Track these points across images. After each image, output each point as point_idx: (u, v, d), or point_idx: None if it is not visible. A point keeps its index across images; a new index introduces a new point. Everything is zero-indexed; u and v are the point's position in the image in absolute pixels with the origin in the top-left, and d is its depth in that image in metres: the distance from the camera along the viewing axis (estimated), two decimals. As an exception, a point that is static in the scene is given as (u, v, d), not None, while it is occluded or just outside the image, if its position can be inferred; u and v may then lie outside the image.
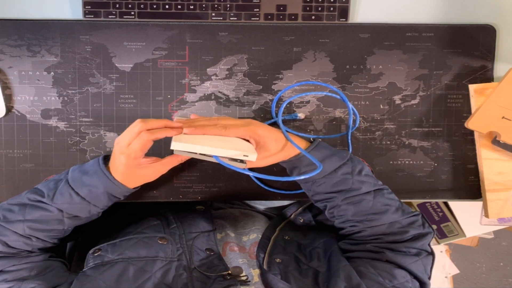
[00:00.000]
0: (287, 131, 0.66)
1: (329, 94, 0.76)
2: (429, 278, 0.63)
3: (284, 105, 0.75)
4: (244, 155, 0.60)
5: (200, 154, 0.61)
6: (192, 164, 0.77)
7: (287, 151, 0.64)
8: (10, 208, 0.61)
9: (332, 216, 0.68)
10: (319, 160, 0.63)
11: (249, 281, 0.59)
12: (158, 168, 0.66)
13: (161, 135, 0.60)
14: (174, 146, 0.59)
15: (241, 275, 0.60)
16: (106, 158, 0.66)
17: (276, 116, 0.75)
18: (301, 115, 0.77)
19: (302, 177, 0.61)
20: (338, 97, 0.76)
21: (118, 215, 0.80)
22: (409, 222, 0.65)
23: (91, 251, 0.63)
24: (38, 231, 0.61)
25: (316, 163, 0.61)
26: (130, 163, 0.61)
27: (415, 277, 0.61)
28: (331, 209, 0.67)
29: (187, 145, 0.59)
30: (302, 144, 0.66)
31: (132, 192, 0.67)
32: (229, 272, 0.60)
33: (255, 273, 0.61)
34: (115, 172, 0.62)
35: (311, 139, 0.69)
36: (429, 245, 0.65)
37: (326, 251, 0.65)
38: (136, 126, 0.60)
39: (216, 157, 0.60)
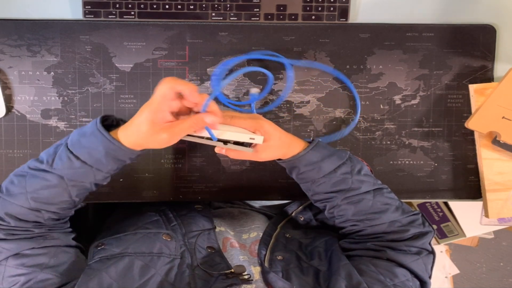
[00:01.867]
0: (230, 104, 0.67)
1: (332, 86, 0.76)
2: (430, 277, 0.63)
3: (229, 80, 0.73)
4: (250, 138, 0.61)
5: (206, 138, 0.61)
6: (192, 164, 0.77)
7: (287, 149, 0.64)
8: (12, 179, 0.59)
9: (332, 216, 0.68)
10: (318, 160, 0.64)
11: (252, 280, 0.59)
12: (176, 131, 0.57)
13: (183, 88, 0.54)
14: None
15: (244, 273, 0.60)
16: (105, 117, 0.61)
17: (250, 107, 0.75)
18: (255, 91, 0.75)
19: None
20: (340, 91, 0.76)
21: (116, 210, 0.79)
22: (409, 221, 0.65)
23: (94, 245, 0.62)
24: (44, 204, 0.57)
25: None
26: (153, 118, 0.54)
27: (416, 276, 0.61)
28: (331, 209, 0.67)
29: None
30: (301, 144, 0.66)
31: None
32: (232, 270, 0.60)
33: (255, 271, 0.61)
34: (125, 132, 0.57)
35: (312, 138, 0.69)
36: (429, 244, 0.65)
37: (327, 251, 0.65)
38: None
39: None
